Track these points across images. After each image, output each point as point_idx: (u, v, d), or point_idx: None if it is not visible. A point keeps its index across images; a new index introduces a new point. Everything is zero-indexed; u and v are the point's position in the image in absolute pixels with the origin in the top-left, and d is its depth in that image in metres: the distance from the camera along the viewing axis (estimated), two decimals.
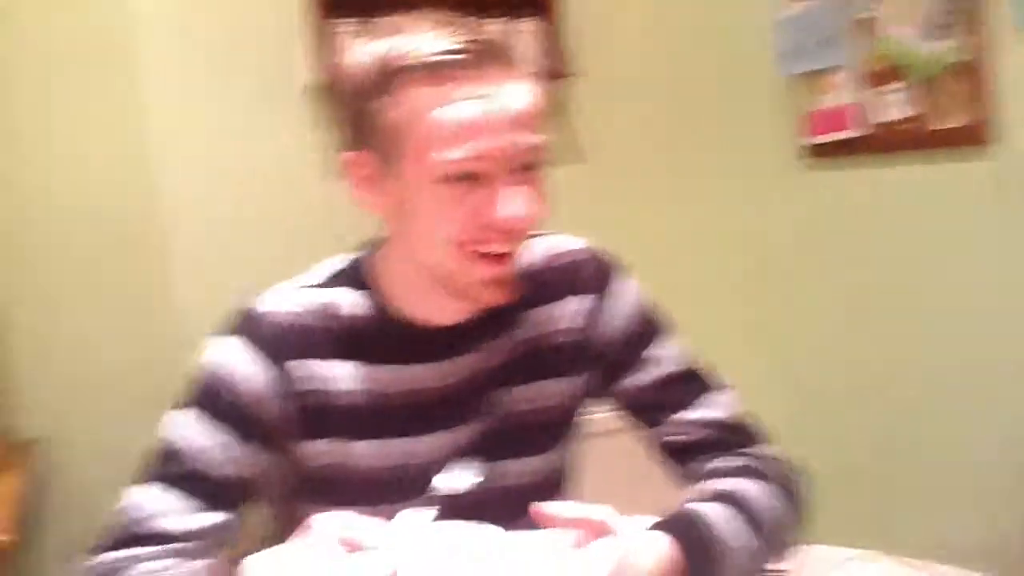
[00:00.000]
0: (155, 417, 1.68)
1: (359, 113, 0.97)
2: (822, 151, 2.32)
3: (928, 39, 2.01)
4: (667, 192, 2.49)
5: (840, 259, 2.34)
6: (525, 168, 0.95)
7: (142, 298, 2.03)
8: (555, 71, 2.26)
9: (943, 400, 2.09)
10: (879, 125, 2.15)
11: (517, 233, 0.97)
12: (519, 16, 2.22)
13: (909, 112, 2.07)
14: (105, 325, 2.01)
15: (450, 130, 0.92)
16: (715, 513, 0.97)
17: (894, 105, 2.10)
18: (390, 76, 0.93)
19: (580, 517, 0.88)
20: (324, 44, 2.08)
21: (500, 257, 0.97)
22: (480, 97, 0.92)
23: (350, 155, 1.00)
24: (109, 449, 1.92)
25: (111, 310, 2.01)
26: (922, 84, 2.04)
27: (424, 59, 0.92)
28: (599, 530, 0.87)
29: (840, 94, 2.23)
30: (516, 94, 0.95)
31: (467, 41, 0.94)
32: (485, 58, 0.94)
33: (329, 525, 0.83)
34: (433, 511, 0.86)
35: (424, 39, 0.93)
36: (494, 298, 1.01)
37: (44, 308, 1.97)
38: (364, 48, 0.97)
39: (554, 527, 0.88)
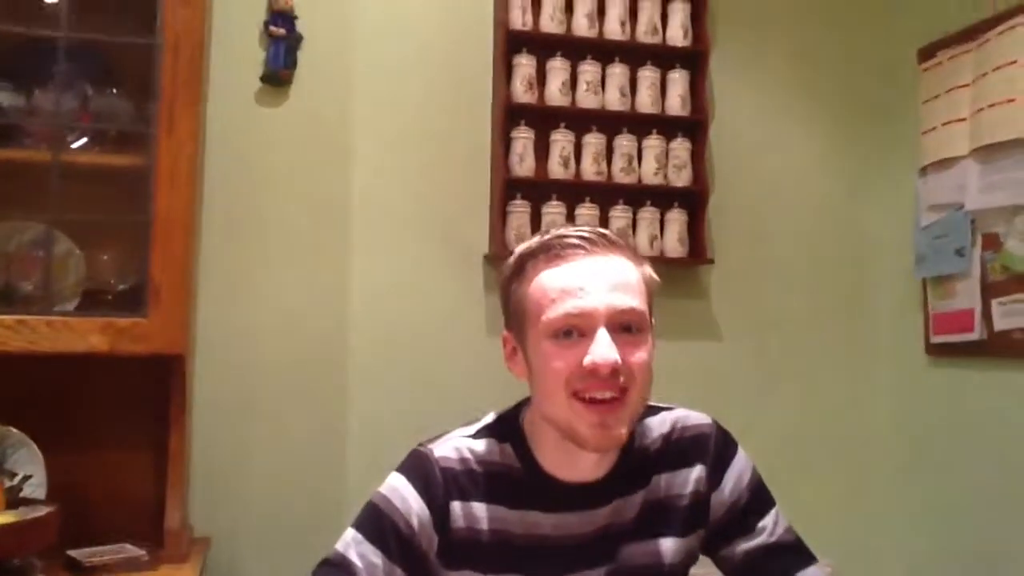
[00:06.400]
0: (310, 533, 1.93)
1: (505, 297, 1.20)
2: (946, 350, 2.41)
3: None
4: (795, 373, 2.62)
5: (958, 455, 2.39)
6: (623, 329, 1.11)
7: (324, 416, 2.28)
8: (698, 257, 2.44)
9: None
10: (1000, 333, 2.23)
11: (612, 377, 1.08)
12: (669, 207, 2.42)
13: None
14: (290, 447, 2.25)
15: (556, 292, 1.11)
16: None
17: (1015, 314, 2.19)
18: (522, 263, 1.16)
19: None
20: (501, 222, 2.34)
21: (607, 403, 1.10)
22: (584, 267, 1.12)
23: (505, 333, 1.22)
24: (266, 551, 2.19)
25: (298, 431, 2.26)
26: None
27: (545, 245, 1.15)
28: None
29: (964, 299, 2.33)
30: (618, 267, 1.13)
31: (585, 231, 1.15)
32: (596, 243, 1.14)
33: None
34: None
35: (555, 234, 1.16)
36: (604, 443, 1.12)
37: (245, 413, 2.23)
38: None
39: None
